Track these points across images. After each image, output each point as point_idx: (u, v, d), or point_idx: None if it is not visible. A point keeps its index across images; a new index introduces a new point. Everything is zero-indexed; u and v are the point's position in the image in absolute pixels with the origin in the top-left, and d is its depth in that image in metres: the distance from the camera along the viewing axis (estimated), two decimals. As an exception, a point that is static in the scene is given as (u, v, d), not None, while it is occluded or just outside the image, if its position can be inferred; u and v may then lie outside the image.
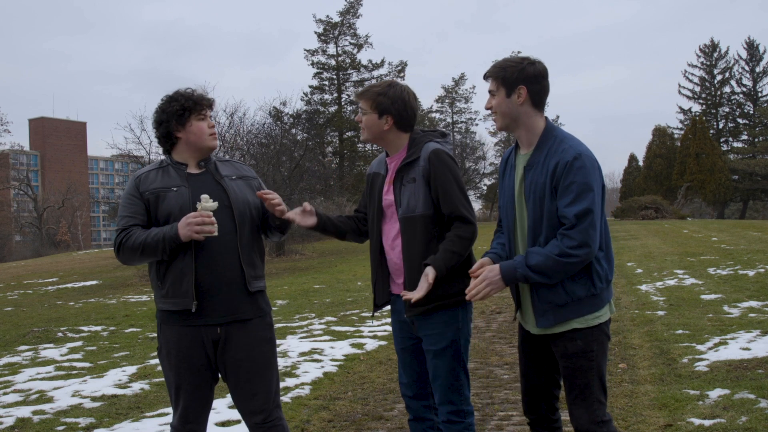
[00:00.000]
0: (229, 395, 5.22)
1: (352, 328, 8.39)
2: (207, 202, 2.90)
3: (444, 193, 3.00)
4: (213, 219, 2.88)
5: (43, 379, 6.48)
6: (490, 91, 2.84)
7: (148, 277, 13.17)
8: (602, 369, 2.79)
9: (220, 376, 3.10)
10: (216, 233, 2.89)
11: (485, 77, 2.88)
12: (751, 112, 58.52)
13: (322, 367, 6.34)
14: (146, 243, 2.91)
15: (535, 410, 2.99)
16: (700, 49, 60.05)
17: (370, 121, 3.13)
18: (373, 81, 45.63)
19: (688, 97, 60.22)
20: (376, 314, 9.49)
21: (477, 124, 62.18)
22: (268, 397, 3.04)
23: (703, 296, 9.16)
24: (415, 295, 2.91)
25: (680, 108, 61.58)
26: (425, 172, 3.03)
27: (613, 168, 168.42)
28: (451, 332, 3.06)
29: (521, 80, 2.75)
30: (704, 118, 55.34)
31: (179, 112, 3.02)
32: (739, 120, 59.63)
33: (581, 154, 2.66)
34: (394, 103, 3.10)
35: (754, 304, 8.25)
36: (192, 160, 3.09)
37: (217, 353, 3.02)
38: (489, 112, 2.90)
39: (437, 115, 58.84)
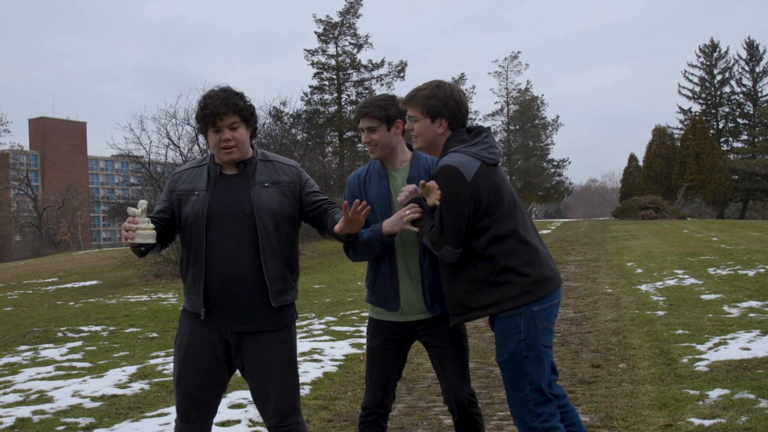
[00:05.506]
0: (229, 395, 5.23)
1: (352, 328, 8.39)
2: (140, 206, 2.80)
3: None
4: (133, 225, 2.76)
5: (43, 379, 6.48)
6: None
7: (149, 277, 13.20)
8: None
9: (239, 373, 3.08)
10: (140, 240, 2.76)
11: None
12: (751, 112, 58.46)
13: (322, 367, 6.34)
14: None
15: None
16: (700, 49, 60.01)
17: (423, 127, 3.00)
18: (373, 81, 45.74)
19: (688, 97, 60.19)
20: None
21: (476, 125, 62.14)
22: (283, 399, 2.98)
23: (703, 296, 9.16)
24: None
25: (680, 108, 61.55)
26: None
27: (613, 168, 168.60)
28: (512, 343, 2.93)
29: (400, 115, 3.14)
30: (704, 118, 55.25)
31: (198, 124, 2.98)
32: (739, 120, 59.57)
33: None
34: (446, 104, 2.97)
35: (754, 304, 8.25)
36: (225, 163, 3.00)
37: (231, 354, 3.00)
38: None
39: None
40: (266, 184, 2.98)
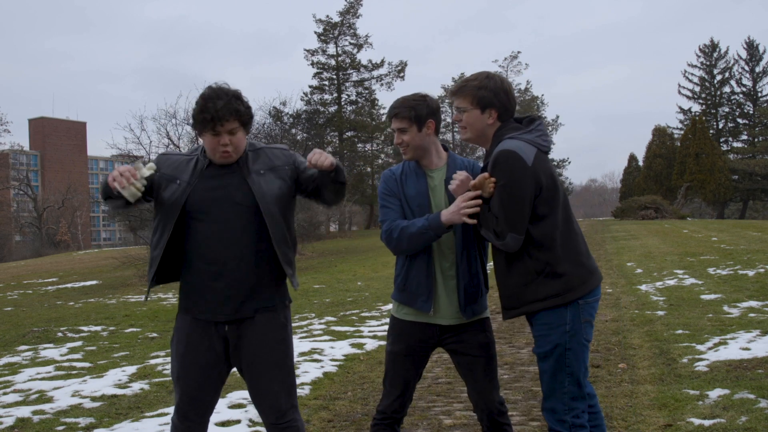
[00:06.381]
0: (228, 395, 5.24)
1: (352, 328, 8.39)
2: (149, 168, 2.80)
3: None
4: (131, 179, 2.73)
5: (43, 379, 6.48)
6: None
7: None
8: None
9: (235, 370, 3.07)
10: (126, 194, 2.73)
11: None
12: (751, 112, 58.45)
13: (322, 367, 6.34)
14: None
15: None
16: (700, 49, 60.01)
17: (472, 117, 2.96)
18: (373, 81, 45.77)
19: (687, 97, 60.18)
20: (375, 314, 9.49)
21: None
22: (280, 397, 2.99)
23: (703, 296, 9.16)
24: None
25: (680, 108, 61.57)
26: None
27: (613, 168, 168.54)
28: (557, 335, 2.88)
29: (433, 114, 3.09)
30: (704, 118, 55.26)
31: (195, 124, 2.93)
32: (739, 120, 59.56)
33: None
34: (497, 94, 2.95)
35: (753, 304, 8.25)
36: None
37: (229, 351, 3.00)
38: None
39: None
40: (262, 172, 2.98)
